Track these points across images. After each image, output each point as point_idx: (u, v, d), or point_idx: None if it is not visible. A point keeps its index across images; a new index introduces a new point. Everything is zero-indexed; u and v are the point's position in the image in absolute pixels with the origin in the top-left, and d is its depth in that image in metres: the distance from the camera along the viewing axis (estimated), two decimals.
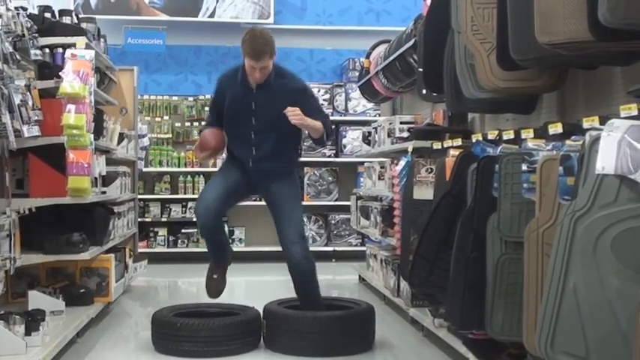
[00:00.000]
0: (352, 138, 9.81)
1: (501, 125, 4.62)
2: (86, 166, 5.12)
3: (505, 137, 3.82)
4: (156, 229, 9.63)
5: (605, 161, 2.57)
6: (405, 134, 6.05)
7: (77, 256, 5.35)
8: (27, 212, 4.75)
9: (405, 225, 5.20)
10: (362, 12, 10.39)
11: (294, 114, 4.76)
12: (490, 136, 4.02)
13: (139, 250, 8.39)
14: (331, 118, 9.80)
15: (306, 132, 5.15)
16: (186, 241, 9.63)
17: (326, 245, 9.80)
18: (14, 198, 4.86)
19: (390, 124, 6.48)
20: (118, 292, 6.28)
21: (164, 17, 10.00)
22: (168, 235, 9.63)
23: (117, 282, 6.12)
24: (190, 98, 10.00)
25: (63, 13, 6.10)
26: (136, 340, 5.28)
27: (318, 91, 9.89)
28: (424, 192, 4.81)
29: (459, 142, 4.60)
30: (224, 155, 5.48)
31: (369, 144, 7.50)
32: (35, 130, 4.69)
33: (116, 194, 6.55)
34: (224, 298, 5.35)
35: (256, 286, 7.99)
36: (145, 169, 9.28)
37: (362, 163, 8.35)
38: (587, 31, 2.83)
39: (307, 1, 10.37)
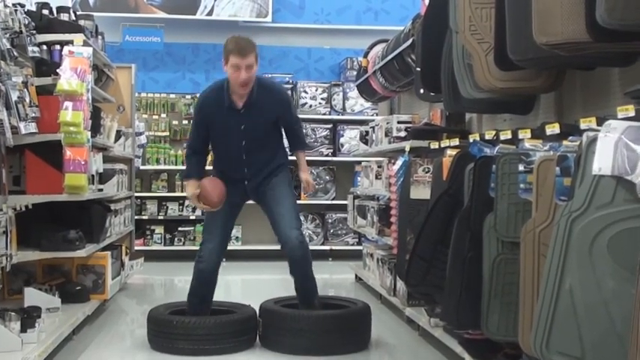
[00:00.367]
0: (350, 137, 9.82)
1: (499, 125, 4.62)
2: (83, 163, 5.11)
3: (502, 137, 3.82)
4: (152, 227, 9.63)
5: (602, 162, 2.57)
6: (403, 134, 6.05)
7: (73, 254, 5.35)
8: (23, 209, 4.75)
9: (401, 224, 5.20)
10: (360, 11, 10.40)
11: (308, 190, 5.22)
12: (487, 136, 4.02)
13: (136, 248, 8.38)
14: (329, 117, 9.96)
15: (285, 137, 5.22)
16: (182, 239, 9.63)
17: (323, 244, 9.80)
18: (11, 195, 4.86)
19: (388, 123, 6.49)
20: (114, 290, 6.27)
21: (162, 15, 10.00)
22: (164, 232, 9.64)
23: (113, 279, 6.11)
24: (188, 96, 9.99)
25: (61, 10, 6.10)
26: (132, 338, 5.27)
27: (316, 90, 9.90)
28: (421, 192, 4.81)
29: (456, 142, 4.60)
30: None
31: (366, 143, 7.50)
32: (32, 127, 4.69)
33: (113, 192, 6.55)
34: (220, 296, 5.35)
35: (252, 285, 7.99)
36: (142, 167, 9.29)
37: (359, 162, 8.35)
38: (584, 32, 2.83)
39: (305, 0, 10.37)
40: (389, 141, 6.34)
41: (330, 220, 9.86)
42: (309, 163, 9.74)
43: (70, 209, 5.54)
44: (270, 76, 9.86)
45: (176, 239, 9.64)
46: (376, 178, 6.81)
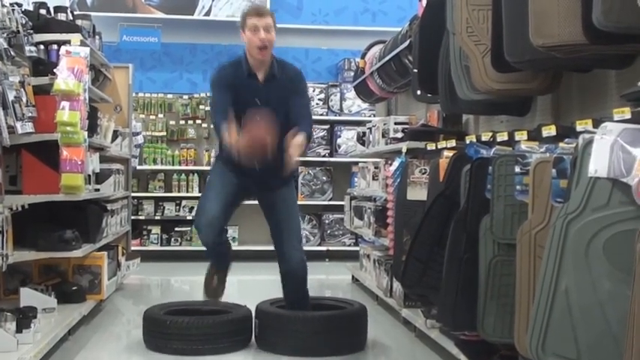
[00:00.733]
0: (347, 138, 9.82)
1: (495, 127, 4.63)
2: (80, 163, 5.11)
3: (499, 139, 3.83)
4: (149, 227, 9.63)
5: (598, 164, 2.57)
6: (400, 135, 6.06)
7: (70, 254, 5.34)
8: (20, 209, 4.74)
9: (398, 225, 5.20)
10: (358, 12, 10.40)
11: (292, 160, 4.41)
12: (484, 138, 4.03)
13: (132, 248, 8.38)
14: (326, 117, 9.95)
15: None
16: (179, 239, 9.62)
17: (319, 245, 9.80)
18: (7, 194, 4.85)
19: (385, 124, 6.49)
20: (111, 290, 6.26)
21: (160, 15, 9.99)
22: (161, 233, 9.64)
23: (109, 280, 6.11)
24: (185, 96, 9.99)
25: (58, 9, 6.09)
26: (128, 338, 5.27)
27: (314, 91, 9.89)
28: (418, 193, 4.81)
29: (453, 143, 4.60)
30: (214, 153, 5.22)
31: (363, 144, 7.50)
32: (29, 127, 4.68)
33: (109, 192, 6.55)
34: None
35: (249, 285, 7.97)
36: (138, 167, 9.28)
37: (356, 163, 8.35)
38: (581, 34, 2.83)
39: (303, 0, 10.37)
40: (386, 142, 6.34)
41: (326, 221, 9.87)
42: (306, 163, 9.83)
43: (66, 209, 5.54)
44: None
45: (173, 239, 9.64)
46: (373, 179, 6.81)
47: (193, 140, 9.97)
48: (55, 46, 5.54)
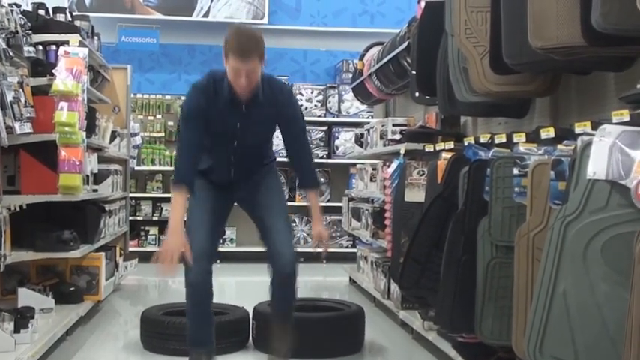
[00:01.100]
0: (345, 139, 9.82)
1: (494, 129, 4.63)
2: (78, 163, 5.11)
3: (497, 141, 3.83)
4: (147, 228, 9.63)
5: (597, 166, 2.58)
6: (398, 136, 6.06)
7: (68, 254, 5.34)
8: (18, 209, 4.74)
9: (396, 227, 5.21)
10: (356, 14, 10.41)
11: (323, 234, 4.47)
12: (482, 140, 4.03)
13: (130, 249, 8.37)
14: (324, 119, 9.95)
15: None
16: None
17: (317, 246, 9.76)
18: (5, 195, 4.84)
19: (383, 126, 6.50)
20: (108, 291, 6.26)
21: (158, 16, 9.99)
22: (159, 234, 9.63)
23: (107, 280, 6.11)
24: (183, 97, 9.94)
25: (57, 10, 6.10)
26: (125, 339, 5.26)
27: (312, 92, 9.89)
28: (416, 194, 4.82)
29: (451, 145, 4.61)
30: None
31: (361, 146, 7.51)
32: (27, 127, 4.67)
33: (107, 192, 6.54)
34: (214, 298, 5.32)
35: (246, 286, 7.97)
36: (137, 168, 9.28)
37: (354, 164, 8.34)
38: (580, 37, 2.84)
39: (302, 2, 10.38)
40: (384, 144, 6.35)
41: (324, 223, 9.83)
42: None
43: (64, 210, 5.54)
44: None
45: None
46: (371, 180, 6.82)
47: None
48: (53, 47, 5.54)
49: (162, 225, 9.62)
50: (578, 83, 3.82)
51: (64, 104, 5.08)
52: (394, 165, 5.43)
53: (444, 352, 4.37)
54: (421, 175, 4.88)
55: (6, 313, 4.23)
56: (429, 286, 3.96)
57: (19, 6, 5.26)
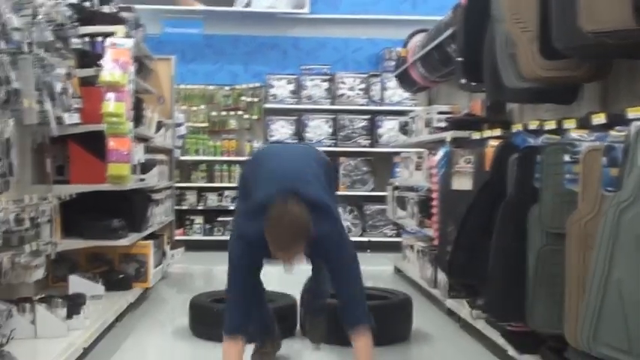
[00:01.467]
0: (388, 128, 9.78)
1: (540, 116, 4.58)
2: (126, 153, 5.18)
3: (546, 127, 3.79)
4: (192, 217, 9.72)
5: None
6: (443, 124, 6.01)
7: (116, 242, 5.42)
8: (68, 198, 4.81)
9: (443, 215, 5.19)
10: (397, 1, 10.34)
11: None
12: (531, 127, 3.99)
13: (176, 238, 8.45)
14: (367, 107, 9.93)
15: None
16: (222, 229, 9.69)
17: (361, 236, 9.80)
18: (55, 184, 4.92)
19: (428, 114, 6.46)
20: (156, 278, 6.34)
21: (201, 7, 10.03)
22: (204, 223, 9.71)
23: (155, 268, 6.18)
24: (227, 87, 10.04)
25: (103, 2, 6.13)
26: (174, 325, 5.31)
27: (354, 81, 9.86)
28: (463, 182, 4.79)
29: (498, 132, 4.57)
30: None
31: (405, 134, 7.47)
32: (76, 118, 4.75)
33: (154, 182, 6.61)
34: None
35: (290, 275, 7.99)
36: (181, 158, 9.35)
37: (397, 153, 8.32)
38: (632, 20, 2.79)
39: None
40: (429, 131, 6.32)
41: (368, 212, 9.85)
42: (347, 154, 9.82)
43: (112, 199, 5.60)
44: (308, 67, 9.89)
45: (215, 229, 9.72)
46: (416, 169, 6.79)
47: (235, 131, 10.02)
48: (99, 38, 5.58)
49: (207, 214, 9.72)
50: (628, 68, 3.75)
51: (111, 95, 5.14)
52: (440, 153, 5.40)
53: (493, 340, 4.35)
54: (468, 163, 4.85)
55: (59, 300, 4.31)
56: (478, 274, 3.93)
57: None
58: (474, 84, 5.00)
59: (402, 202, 7.37)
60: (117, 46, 5.39)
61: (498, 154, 3.97)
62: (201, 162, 9.86)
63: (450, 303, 5.37)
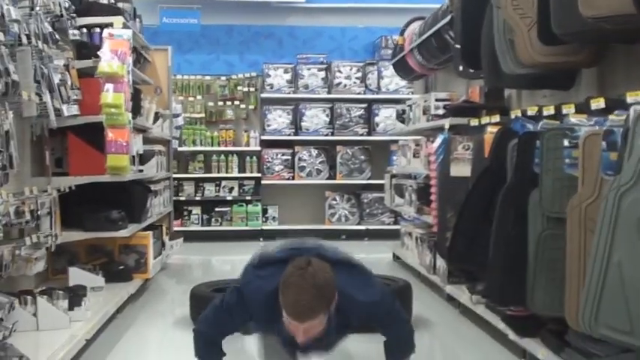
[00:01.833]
0: (385, 116, 9.79)
1: (538, 102, 4.59)
2: (125, 144, 5.18)
3: (545, 113, 3.80)
4: (190, 208, 9.73)
5: None
6: (441, 111, 6.03)
7: (116, 234, 5.43)
8: (67, 190, 4.81)
9: (442, 202, 5.21)
10: None
11: None
12: (530, 112, 4.00)
13: (174, 229, 8.46)
14: (364, 96, 9.94)
15: None
16: (219, 219, 9.71)
17: (358, 224, 9.82)
18: (53, 176, 4.92)
19: (426, 101, 6.47)
20: (156, 269, 6.35)
21: None
22: (202, 213, 9.72)
23: (155, 259, 6.19)
24: (223, 78, 10.03)
25: None
26: (175, 316, 5.33)
27: (350, 70, 9.86)
28: (461, 169, 4.80)
29: (496, 118, 4.58)
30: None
31: (403, 122, 7.48)
32: (74, 109, 4.74)
33: (153, 173, 6.61)
34: None
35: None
36: (178, 149, 9.35)
37: (394, 141, 8.34)
38: (630, 5, 2.80)
39: None
40: (427, 119, 6.32)
41: (365, 200, 9.87)
42: (344, 142, 9.83)
43: (111, 190, 5.60)
44: (305, 56, 9.88)
45: (213, 220, 9.73)
46: (414, 156, 6.79)
47: (232, 121, 10.01)
48: (97, 29, 5.58)
49: (205, 205, 9.73)
50: (625, 53, 3.76)
51: (109, 86, 5.14)
52: (439, 140, 5.41)
53: (493, 325, 4.37)
54: (466, 150, 4.86)
55: (60, 292, 4.31)
56: (478, 259, 3.96)
57: None
58: (472, 71, 5.01)
59: (399, 190, 7.38)
60: (115, 37, 5.39)
61: (497, 141, 3.98)
62: (199, 152, 9.87)
63: (450, 289, 5.39)
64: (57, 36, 4.69)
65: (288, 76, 9.83)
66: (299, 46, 10.16)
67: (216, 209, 9.75)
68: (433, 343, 4.82)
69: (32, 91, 4.04)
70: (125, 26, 5.62)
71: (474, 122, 4.97)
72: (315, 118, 9.85)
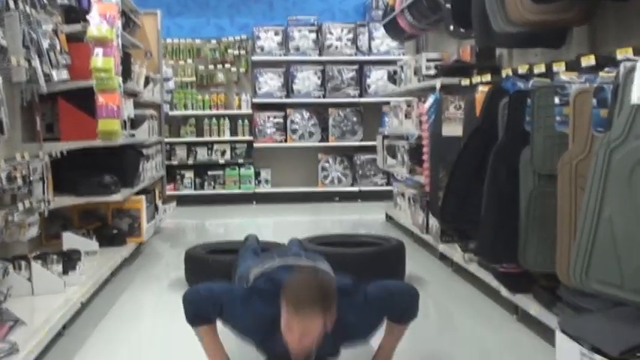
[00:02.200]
0: (376, 78, 9.77)
1: (530, 60, 4.58)
2: (115, 108, 5.15)
3: (536, 71, 3.80)
4: (182, 172, 9.74)
5: None
6: (432, 72, 6.02)
7: (109, 198, 5.43)
8: (59, 156, 4.80)
9: (434, 162, 5.22)
10: None
11: None
12: (520, 71, 4.00)
13: (167, 193, 8.47)
14: (355, 58, 9.90)
15: None
16: (212, 183, 9.73)
17: (352, 185, 9.85)
18: (45, 142, 4.90)
19: (417, 61, 6.46)
20: (150, 233, 6.37)
21: None
22: (194, 177, 9.73)
23: (148, 223, 6.20)
24: (213, 41, 9.97)
25: None
26: (169, 279, 5.36)
27: (341, 31, 9.81)
28: (453, 128, 4.81)
29: (487, 78, 4.58)
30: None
31: (394, 83, 7.47)
32: (64, 74, 4.70)
33: (144, 137, 6.60)
34: None
35: (284, 226, 8.05)
36: (170, 113, 9.32)
37: (386, 102, 8.33)
38: None
39: None
40: (418, 79, 6.31)
41: (358, 162, 9.88)
42: (336, 105, 9.83)
43: (103, 155, 5.60)
44: (295, 18, 9.82)
45: (206, 183, 9.75)
46: (406, 117, 6.79)
47: (223, 85, 9.98)
48: None
49: (197, 169, 9.74)
50: (616, 10, 3.76)
51: (99, 50, 5.10)
52: (430, 100, 5.41)
53: (486, 282, 4.42)
54: (458, 109, 4.86)
55: (54, 256, 4.32)
56: (470, 218, 3.99)
57: None
58: (462, 30, 5.00)
59: (392, 151, 7.39)
60: (103, 1, 5.33)
61: (488, 100, 3.99)
62: (190, 116, 9.84)
63: (443, 248, 5.43)
64: (45, 0, 4.65)
65: (278, 39, 9.78)
66: (289, 7, 10.10)
67: (209, 173, 9.76)
68: (427, 302, 4.83)
69: (21, 57, 4.01)
70: None
71: (465, 82, 4.96)
72: (306, 81, 9.82)
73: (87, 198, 5.35)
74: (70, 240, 5.00)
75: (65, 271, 4.33)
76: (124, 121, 5.52)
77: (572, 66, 3.49)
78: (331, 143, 9.82)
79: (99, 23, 5.15)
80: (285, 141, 9.80)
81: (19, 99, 4.67)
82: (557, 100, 3.28)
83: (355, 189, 9.83)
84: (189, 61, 9.93)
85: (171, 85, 8.95)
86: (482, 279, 4.50)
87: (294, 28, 9.79)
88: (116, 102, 5.16)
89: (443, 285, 5.05)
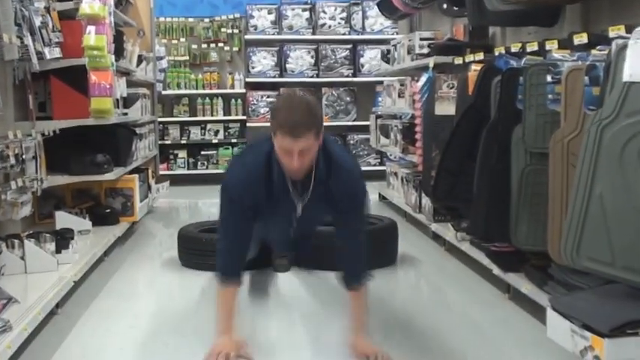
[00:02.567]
0: (370, 57, 9.75)
1: (523, 39, 4.59)
2: (108, 87, 5.13)
3: (528, 49, 3.80)
4: (176, 152, 9.72)
5: (633, 69, 2.56)
6: (426, 50, 6.01)
7: (102, 177, 5.42)
8: (51, 134, 4.79)
9: (426, 141, 5.22)
10: None
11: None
12: (513, 49, 4.00)
13: (160, 173, 8.46)
14: (348, 37, 9.85)
15: None
16: (205, 162, 9.72)
17: None
18: (37, 121, 4.89)
19: (410, 40, 6.44)
20: (143, 212, 6.37)
21: None
22: (187, 157, 9.72)
23: (141, 202, 6.20)
24: (206, 19, 9.92)
25: None
26: (162, 258, 5.37)
27: (335, 10, 9.77)
28: (446, 107, 4.82)
29: (480, 56, 4.58)
30: None
31: (388, 62, 7.45)
32: (57, 52, 4.69)
33: (137, 116, 6.58)
34: None
35: None
36: (163, 92, 9.30)
37: (380, 82, 8.31)
38: None
39: None
40: (412, 58, 6.31)
41: (352, 142, 9.88)
42: (330, 84, 9.79)
43: (96, 134, 5.58)
44: None
45: (199, 163, 9.73)
46: (399, 96, 6.79)
47: (216, 63, 9.94)
48: None
49: (191, 148, 9.72)
50: None
51: (91, 28, 5.08)
52: (423, 79, 5.41)
53: (478, 261, 4.43)
54: (451, 88, 4.86)
55: (47, 235, 4.32)
56: (463, 197, 4.00)
57: None
58: (456, 9, 5.00)
59: (385, 130, 7.39)
60: None
61: (481, 78, 3.99)
62: (184, 96, 9.81)
63: (435, 227, 5.45)
64: None
65: (272, 17, 9.73)
66: None
67: (202, 152, 9.75)
68: (419, 281, 4.88)
69: (13, 34, 3.99)
70: None
71: (459, 60, 4.96)
72: (299, 60, 9.79)
73: (80, 177, 5.34)
74: (63, 219, 5.00)
75: (58, 250, 4.32)
76: (117, 100, 5.51)
77: (565, 44, 3.49)
78: (325, 123, 9.77)
79: (91, 1, 5.12)
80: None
81: (12, 77, 4.65)
82: (549, 78, 3.28)
83: None
84: (182, 39, 9.89)
85: (164, 64, 8.92)
86: (474, 258, 4.51)
87: (288, 7, 9.75)
88: (109, 80, 5.15)
89: (435, 264, 5.06)
